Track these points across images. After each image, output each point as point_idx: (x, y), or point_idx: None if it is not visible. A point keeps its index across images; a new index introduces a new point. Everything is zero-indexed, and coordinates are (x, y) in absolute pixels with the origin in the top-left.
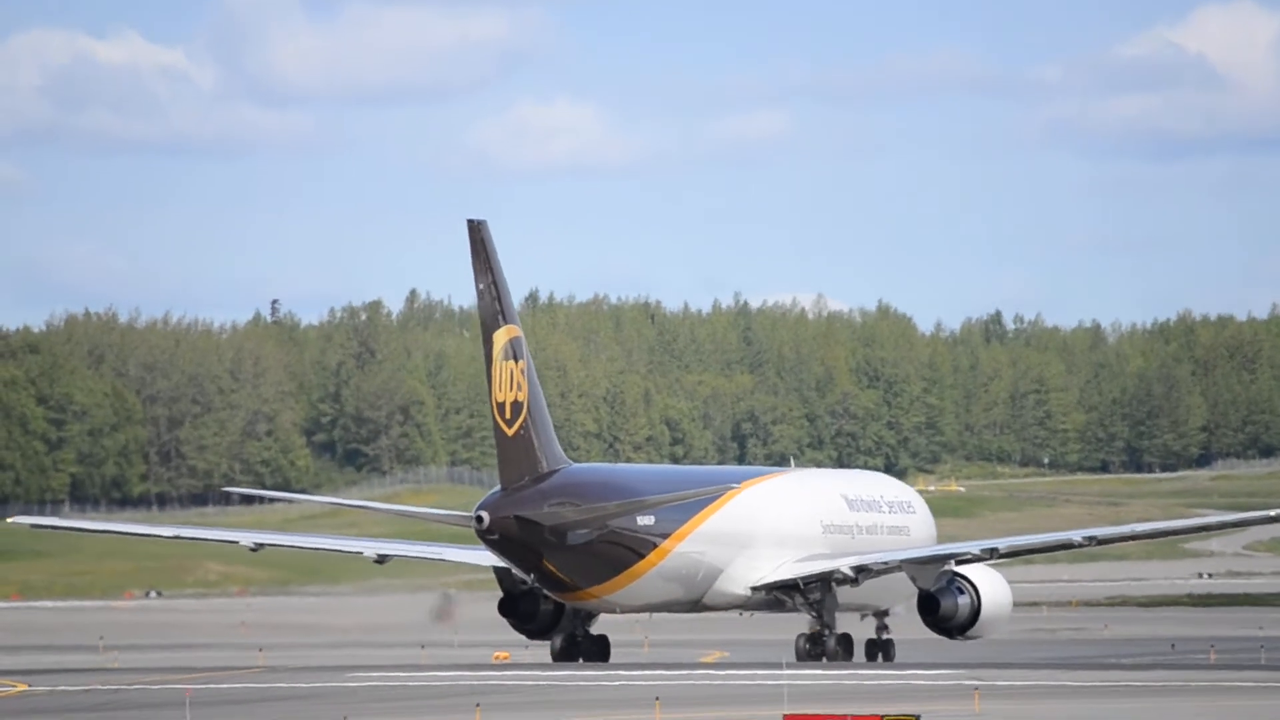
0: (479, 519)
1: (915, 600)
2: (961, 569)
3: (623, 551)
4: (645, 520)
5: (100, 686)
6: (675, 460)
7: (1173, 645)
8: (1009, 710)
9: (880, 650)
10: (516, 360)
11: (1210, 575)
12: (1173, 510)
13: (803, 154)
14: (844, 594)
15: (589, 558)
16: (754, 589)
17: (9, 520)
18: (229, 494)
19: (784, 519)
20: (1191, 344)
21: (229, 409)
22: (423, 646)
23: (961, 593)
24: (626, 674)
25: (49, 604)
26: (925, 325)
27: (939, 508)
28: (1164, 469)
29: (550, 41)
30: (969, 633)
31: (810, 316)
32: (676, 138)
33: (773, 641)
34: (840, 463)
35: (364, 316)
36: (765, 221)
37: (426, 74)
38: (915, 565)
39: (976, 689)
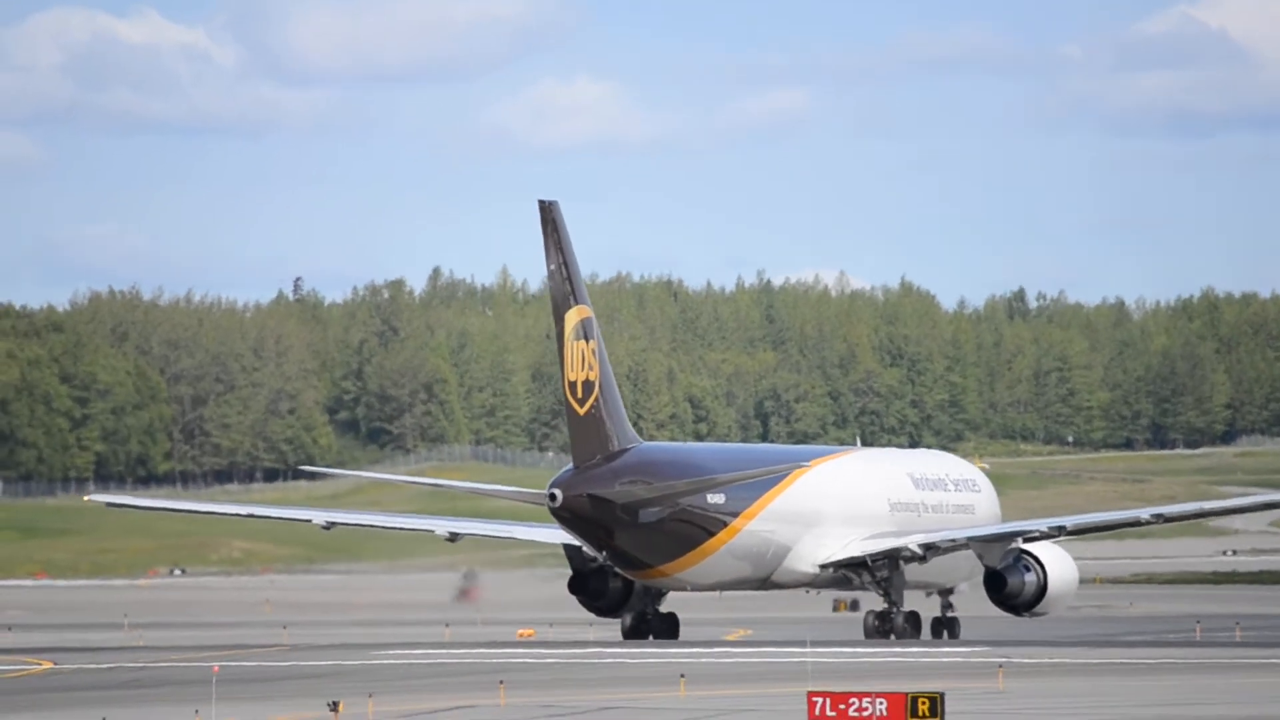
0: (552, 496)
1: (981, 578)
2: (1028, 546)
3: (693, 530)
4: (716, 499)
5: (125, 664)
6: (699, 439)
7: (1198, 622)
8: (1033, 688)
9: (946, 627)
10: (588, 340)
11: (1235, 552)
12: (1197, 488)
13: (825, 131)
14: (910, 571)
15: (660, 536)
16: (822, 567)
17: (85, 499)
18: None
19: (851, 497)
20: (1215, 321)
21: (252, 387)
22: (447, 624)
23: (1028, 570)
24: (651, 651)
25: (74, 582)
26: (948, 302)
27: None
28: (1188, 446)
29: (571, 19)
30: (1035, 610)
31: (833, 294)
32: (698, 116)
33: (797, 620)
34: (864, 441)
35: (387, 294)
36: (788, 199)
37: (447, 52)
38: (983, 543)
39: (1001, 667)
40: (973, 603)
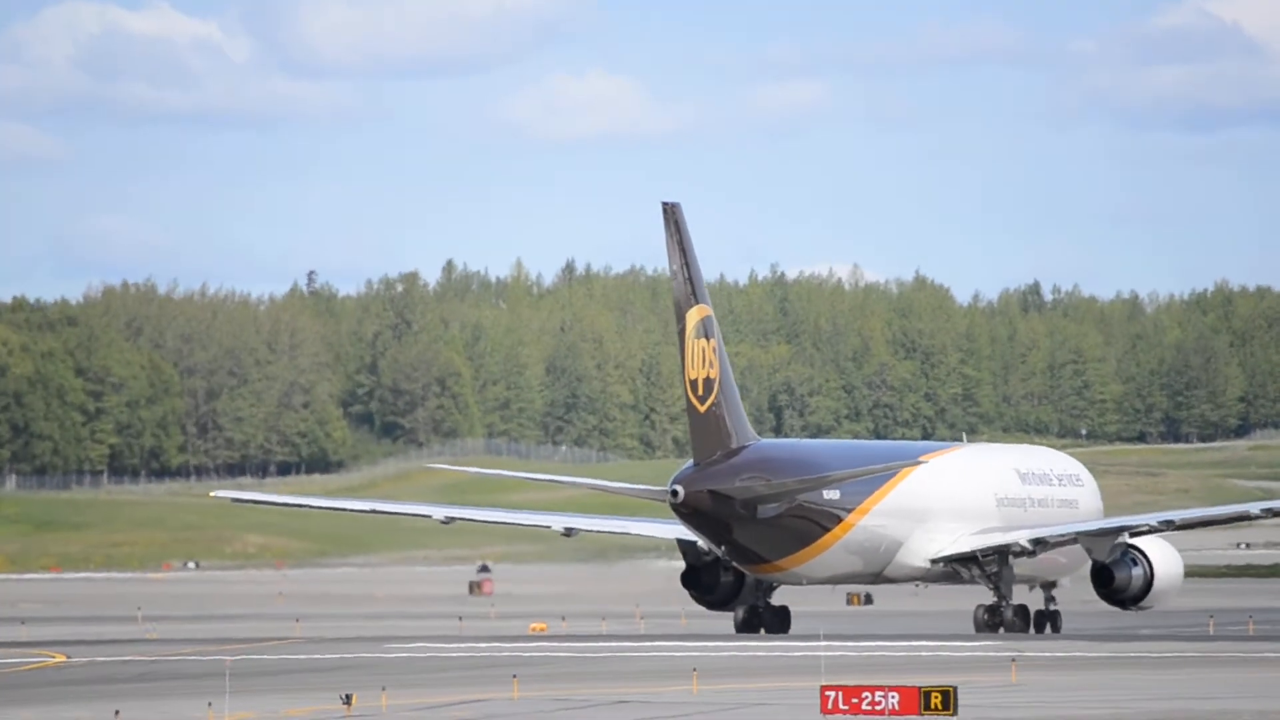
0: (674, 493)
1: (1083, 571)
2: (1134, 541)
3: (809, 525)
4: (831, 495)
5: (139, 657)
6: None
7: (1211, 616)
8: (1046, 681)
9: (1049, 620)
10: (708, 338)
11: (1249, 546)
12: (1211, 481)
13: (839, 125)
14: (1016, 565)
15: (777, 531)
16: (933, 561)
17: (211, 494)
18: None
19: (960, 493)
20: (1229, 314)
21: (266, 380)
22: (460, 618)
23: (1135, 564)
24: (665, 645)
25: (88, 575)
26: (962, 296)
27: None
28: (1202, 439)
29: (585, 14)
30: (1141, 604)
31: (847, 287)
32: (713, 110)
33: (811, 614)
34: (877, 434)
35: (400, 288)
36: (802, 193)
37: (461, 46)
38: (1091, 537)
39: (1014, 660)
40: (1074, 595)
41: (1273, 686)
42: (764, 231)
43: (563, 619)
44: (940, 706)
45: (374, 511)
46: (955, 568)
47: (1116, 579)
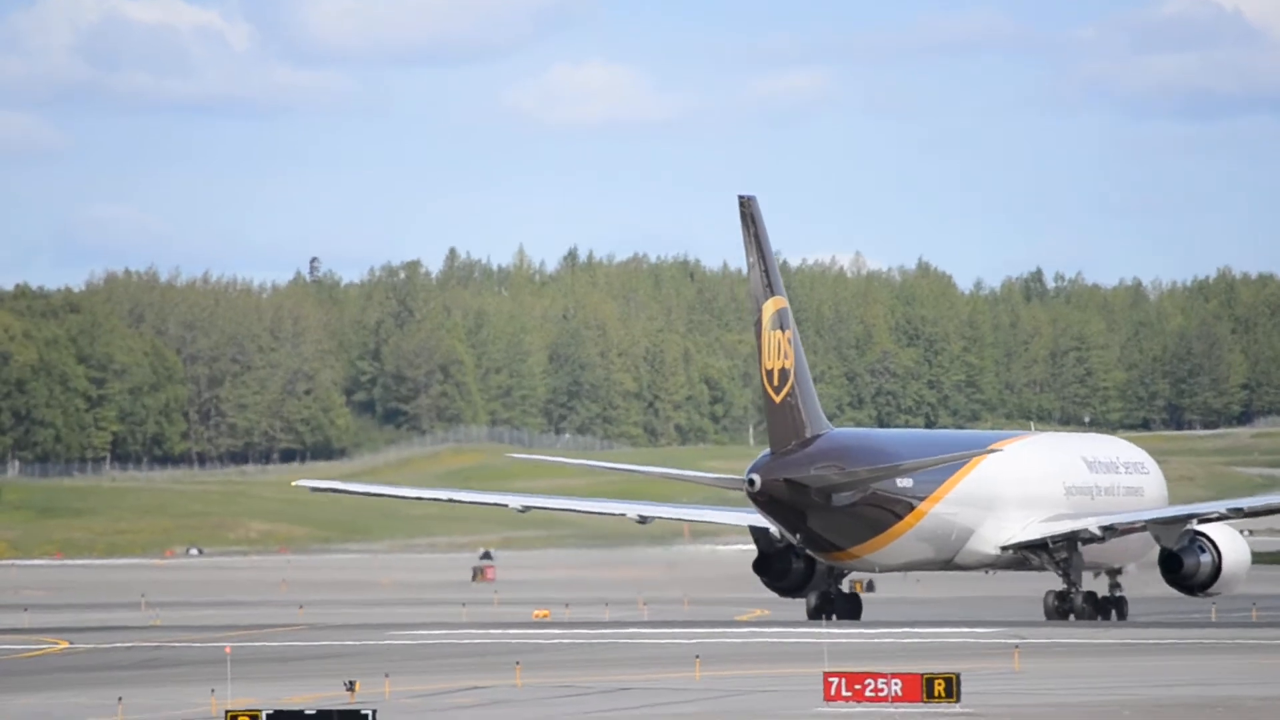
0: (750, 482)
1: (1148, 558)
2: (1201, 528)
3: (883, 513)
4: (904, 483)
5: (142, 644)
6: (715, 419)
7: (1214, 603)
8: (1049, 668)
9: (1114, 607)
10: (784, 329)
11: (1252, 533)
12: (1214, 468)
13: (840, 112)
14: (1084, 552)
15: (851, 519)
16: (1003, 548)
17: (293, 483)
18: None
19: (1030, 481)
20: (1232, 301)
21: (269, 368)
22: (463, 605)
23: (1203, 551)
24: (668, 631)
25: (91, 562)
26: (965, 283)
27: None
28: (1205, 426)
29: (585, 2)
30: (1209, 590)
31: (849, 275)
32: (714, 98)
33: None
34: (880, 422)
35: (403, 275)
36: (804, 180)
37: (460, 35)
38: (1160, 524)
39: (1017, 647)
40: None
41: (1275, 673)
42: (766, 218)
43: (566, 605)
44: (944, 694)
45: (451, 500)
46: (1025, 554)
47: (1185, 566)
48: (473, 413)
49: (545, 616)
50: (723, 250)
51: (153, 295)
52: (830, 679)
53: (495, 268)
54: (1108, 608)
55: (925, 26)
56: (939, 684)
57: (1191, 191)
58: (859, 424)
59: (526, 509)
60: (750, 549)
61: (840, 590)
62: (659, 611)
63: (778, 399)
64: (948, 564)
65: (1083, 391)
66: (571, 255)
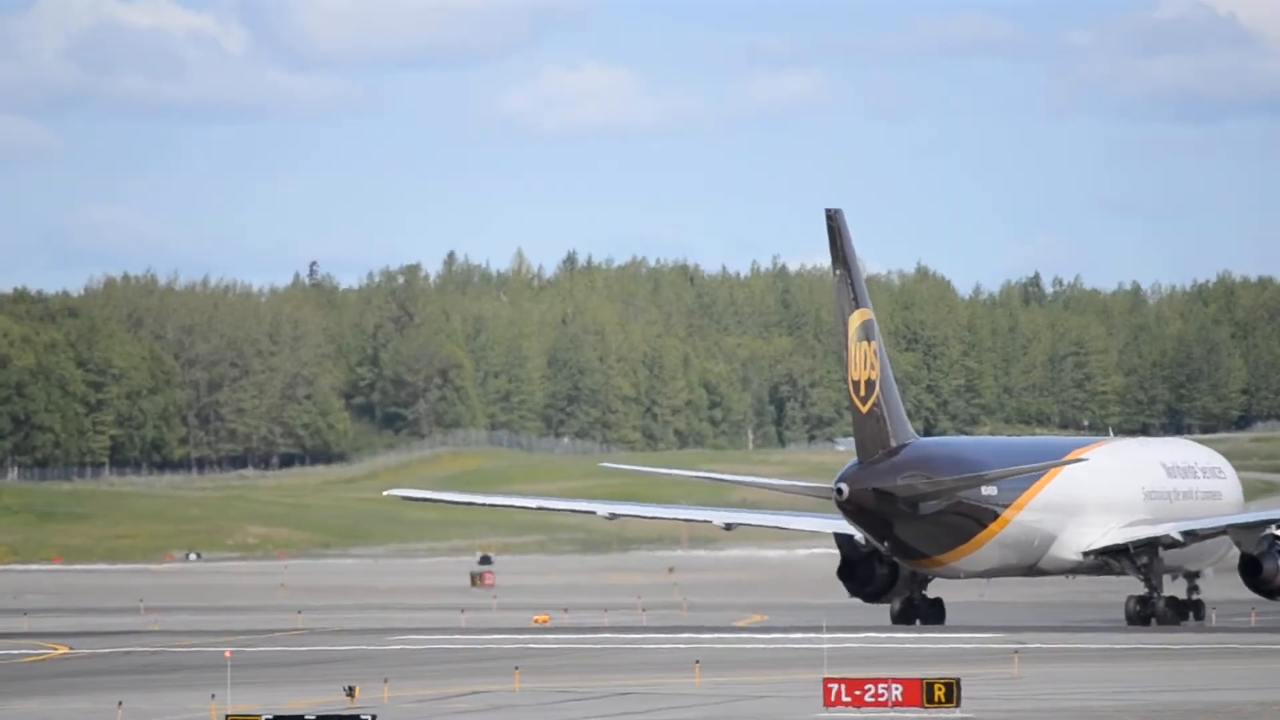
0: (839, 491)
1: (1226, 563)
2: None
3: (968, 521)
4: (989, 491)
5: (141, 649)
6: (714, 424)
7: (1213, 609)
8: (1048, 673)
9: (1192, 610)
10: (869, 341)
11: None
12: None
13: (838, 116)
14: (1163, 556)
15: (937, 527)
16: (1085, 554)
17: (384, 493)
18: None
19: (1110, 487)
20: (1231, 306)
21: (268, 372)
22: (462, 610)
23: None
24: (668, 636)
25: (90, 567)
26: (964, 288)
27: None
28: (1204, 431)
29: (581, 5)
30: None
31: None
32: (712, 100)
33: (813, 605)
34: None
35: (402, 279)
36: (801, 184)
37: (456, 38)
38: (1240, 529)
39: (1017, 652)
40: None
41: (1274, 678)
42: (766, 223)
43: (565, 610)
44: (944, 699)
45: (540, 508)
46: (1106, 560)
47: (1264, 569)
48: (471, 417)
49: (544, 621)
50: (722, 254)
51: (151, 299)
52: (830, 684)
53: (494, 272)
54: (1185, 611)
55: (923, 30)
56: (939, 689)
57: (1190, 195)
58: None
59: (614, 516)
60: (745, 555)
61: (924, 596)
62: (658, 617)
63: (864, 409)
64: (1030, 570)
65: (1081, 396)
66: (570, 259)
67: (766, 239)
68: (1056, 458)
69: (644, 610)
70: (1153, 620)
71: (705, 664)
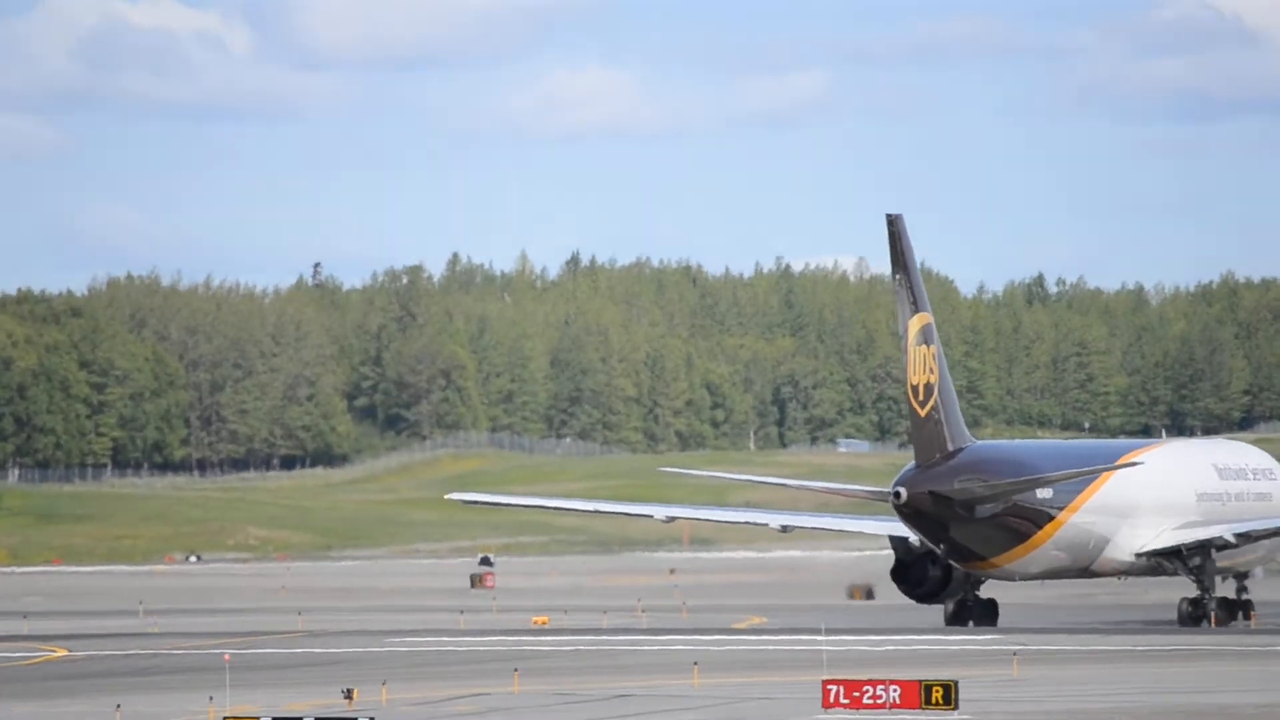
0: (896, 494)
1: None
2: None
3: (1024, 524)
4: (1044, 494)
5: (140, 651)
6: (715, 425)
7: (1214, 610)
8: (1047, 675)
9: (1240, 610)
10: (928, 345)
11: None
12: None
13: (841, 116)
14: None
15: (994, 529)
16: (1138, 555)
17: (446, 496)
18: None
19: (1163, 489)
20: (1235, 306)
21: (270, 373)
22: (462, 612)
23: None
24: (667, 639)
25: (90, 569)
26: (967, 288)
27: None
28: (1206, 432)
29: (585, 6)
30: None
31: (852, 279)
32: (714, 101)
33: (812, 607)
34: (881, 428)
35: (405, 280)
36: (806, 184)
37: (462, 39)
38: None
39: (1016, 654)
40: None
41: (1273, 680)
42: (770, 224)
43: (565, 612)
44: (942, 701)
45: (597, 512)
46: (1159, 561)
47: None
48: (474, 418)
49: (544, 623)
50: (725, 255)
51: (154, 300)
52: (829, 686)
53: (497, 273)
54: (1234, 610)
55: (926, 30)
56: (937, 691)
57: (1194, 196)
58: (860, 430)
59: (671, 519)
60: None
61: (977, 597)
62: (658, 618)
63: (923, 413)
64: (1084, 572)
65: (1084, 397)
66: (574, 260)
67: (769, 240)
68: (1109, 460)
69: (643, 612)
70: (1205, 622)
71: (704, 666)
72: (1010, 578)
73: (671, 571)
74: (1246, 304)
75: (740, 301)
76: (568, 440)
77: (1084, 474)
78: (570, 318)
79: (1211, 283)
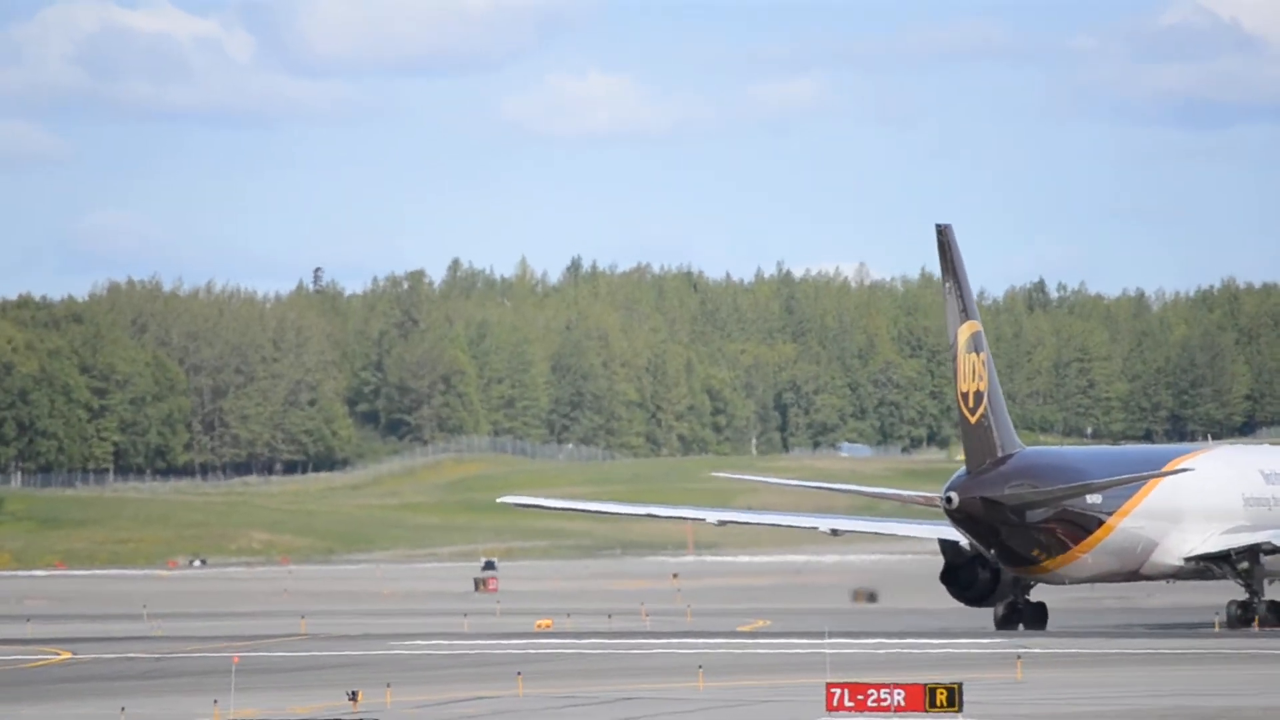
0: (948, 500)
1: None
2: None
3: (1074, 529)
4: (1094, 499)
5: (144, 655)
6: (717, 430)
7: (1216, 614)
8: (1051, 678)
9: None
10: (978, 353)
11: None
12: None
13: (843, 122)
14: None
15: (1044, 534)
16: (1186, 560)
17: (499, 499)
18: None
19: (1210, 494)
20: (1235, 312)
21: (272, 378)
22: (465, 615)
23: None
24: (671, 642)
25: (93, 572)
26: None
27: None
28: (1207, 438)
29: (585, 11)
30: None
31: (853, 285)
32: (715, 105)
33: (816, 611)
34: (883, 432)
35: (406, 286)
36: (807, 190)
37: (462, 44)
38: None
39: (1019, 657)
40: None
41: (1278, 683)
42: (770, 230)
43: (568, 615)
44: (946, 704)
45: (649, 516)
46: (1208, 565)
47: None
48: (475, 423)
49: (548, 626)
50: (726, 260)
51: (156, 305)
52: (832, 689)
53: (498, 278)
54: None
55: (927, 35)
56: (941, 694)
57: (1195, 201)
58: (862, 435)
59: (724, 523)
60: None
61: (1027, 601)
62: (662, 622)
63: (973, 420)
64: (1132, 575)
65: (1085, 402)
66: (574, 266)
67: (770, 245)
68: (1157, 466)
69: (647, 615)
70: (1254, 624)
71: (708, 669)
72: (1060, 582)
73: (675, 575)
74: (1247, 309)
75: (741, 307)
76: (570, 445)
77: (1133, 480)
78: (571, 323)
79: (1212, 288)
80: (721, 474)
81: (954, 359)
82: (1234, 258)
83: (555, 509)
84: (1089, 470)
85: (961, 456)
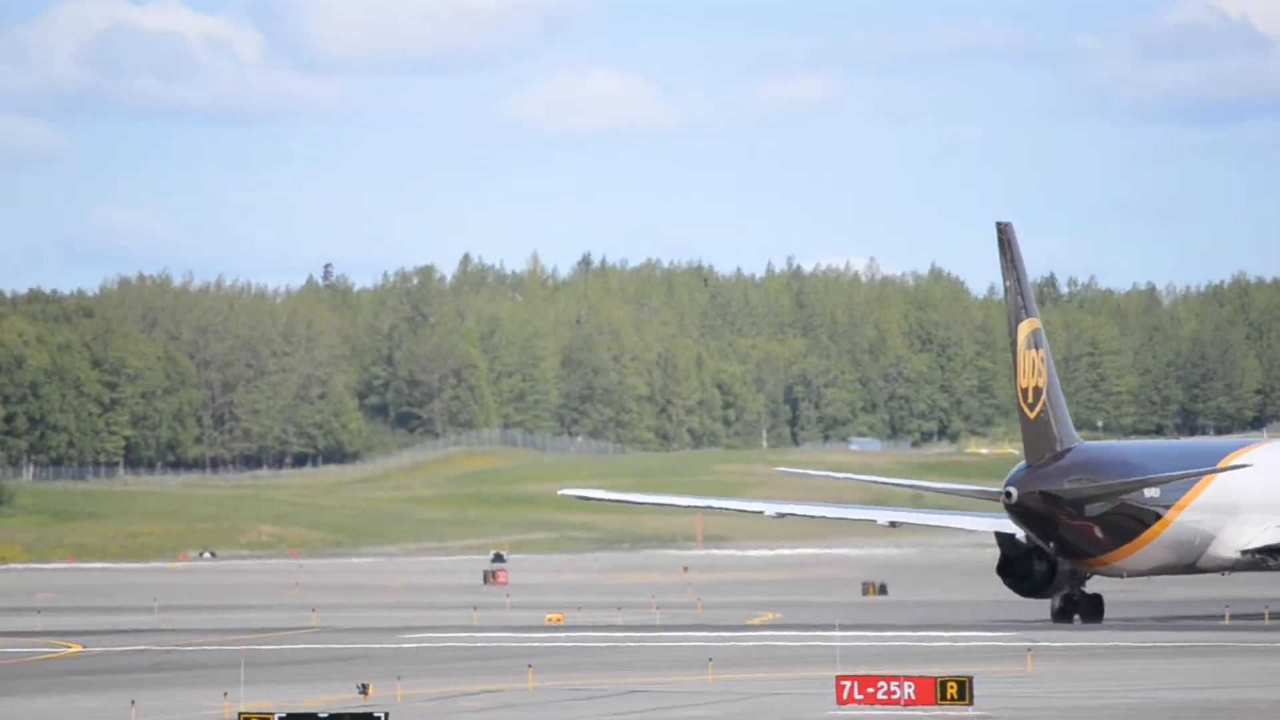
0: (1008, 494)
1: None
2: None
3: (1132, 522)
4: (1151, 493)
5: (155, 647)
6: (727, 424)
7: (1227, 607)
8: (1061, 671)
9: None
10: (1037, 349)
11: None
12: None
13: (853, 119)
14: None
15: (1102, 528)
16: (1243, 552)
17: (560, 492)
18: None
19: (1266, 487)
20: (1246, 306)
21: (282, 372)
22: (475, 608)
23: None
24: (680, 635)
25: (104, 565)
26: (978, 288)
27: (995, 471)
28: (1218, 432)
29: (592, 9)
30: None
31: (863, 280)
32: (726, 102)
33: (826, 604)
34: (893, 426)
35: (416, 280)
36: (817, 186)
37: (470, 42)
38: None
39: (1030, 650)
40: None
41: None
42: (781, 225)
43: (578, 608)
44: (957, 696)
45: (708, 508)
46: (1263, 558)
47: None
48: (485, 417)
49: (558, 620)
50: (736, 255)
51: (166, 300)
52: (842, 682)
53: (509, 273)
54: None
55: (934, 33)
56: (951, 687)
57: (1205, 196)
58: (872, 428)
59: (782, 515)
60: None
61: (1083, 593)
62: (672, 615)
63: (1032, 415)
64: (1190, 568)
65: (1096, 396)
66: (585, 260)
67: (781, 240)
68: (1213, 460)
69: (657, 608)
70: None
71: (718, 662)
72: (1118, 574)
73: (685, 569)
74: (1258, 304)
75: (751, 302)
76: (580, 439)
77: (1190, 475)
78: (582, 317)
79: (1223, 283)
80: (784, 470)
81: (1013, 355)
82: (1244, 252)
83: (613, 501)
84: (1146, 465)
85: (973, 449)
